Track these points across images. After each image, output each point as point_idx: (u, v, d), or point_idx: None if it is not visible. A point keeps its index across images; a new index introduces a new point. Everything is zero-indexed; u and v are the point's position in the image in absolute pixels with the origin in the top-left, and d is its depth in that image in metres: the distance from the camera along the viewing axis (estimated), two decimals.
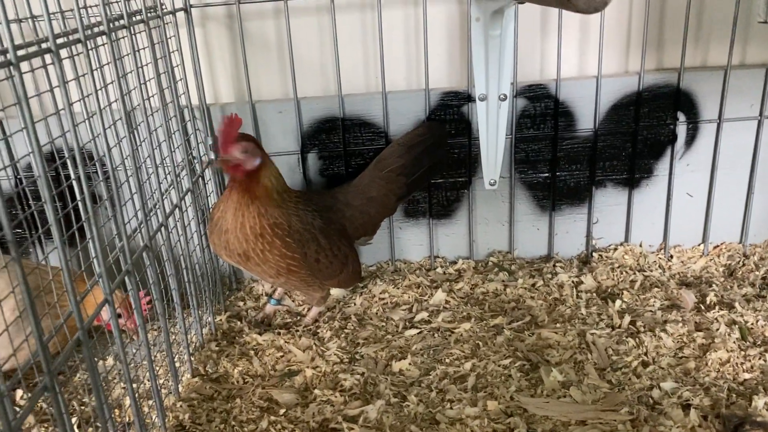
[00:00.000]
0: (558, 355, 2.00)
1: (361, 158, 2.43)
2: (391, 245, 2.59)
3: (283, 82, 2.39)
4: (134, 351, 1.86)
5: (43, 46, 1.24)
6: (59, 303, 1.57)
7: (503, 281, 2.46)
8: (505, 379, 1.92)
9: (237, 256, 2.01)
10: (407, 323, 2.25)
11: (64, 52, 1.28)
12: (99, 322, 1.73)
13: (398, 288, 2.46)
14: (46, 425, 1.84)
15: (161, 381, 1.89)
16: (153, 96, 1.84)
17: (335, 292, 2.42)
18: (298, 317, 2.36)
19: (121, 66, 1.59)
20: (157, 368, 1.86)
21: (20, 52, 1.10)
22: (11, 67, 1.07)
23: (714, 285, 2.34)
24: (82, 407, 1.91)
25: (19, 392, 1.97)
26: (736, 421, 1.66)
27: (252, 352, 2.13)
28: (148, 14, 1.81)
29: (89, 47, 1.37)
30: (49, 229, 1.19)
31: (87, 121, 1.42)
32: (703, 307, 2.21)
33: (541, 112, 2.40)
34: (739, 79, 2.36)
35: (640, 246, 2.60)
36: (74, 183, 1.38)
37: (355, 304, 2.39)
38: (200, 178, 2.28)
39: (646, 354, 1.99)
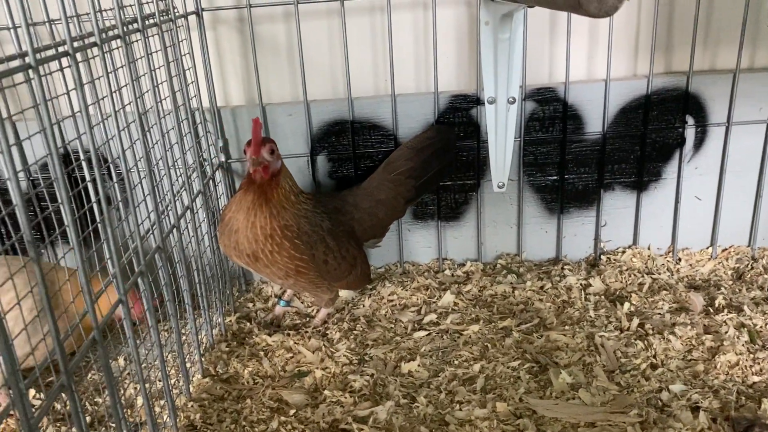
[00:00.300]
0: (567, 357, 2.01)
1: (370, 161, 2.45)
2: (400, 247, 2.60)
3: (293, 85, 2.41)
4: (146, 352, 1.88)
5: (60, 49, 1.26)
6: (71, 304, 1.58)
7: (511, 283, 2.47)
8: (514, 380, 1.93)
9: (246, 256, 2.02)
10: (416, 325, 2.26)
11: (79, 56, 1.29)
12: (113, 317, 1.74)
13: (407, 290, 2.47)
14: (58, 425, 1.85)
15: (172, 381, 1.91)
16: (165, 99, 1.86)
17: (344, 293, 2.43)
18: (307, 318, 2.38)
19: (135, 69, 1.61)
20: (168, 368, 1.87)
21: (38, 56, 1.12)
22: (30, 71, 1.09)
23: (722, 288, 2.34)
24: (94, 407, 1.93)
25: (32, 391, 1.99)
26: (745, 423, 1.66)
27: (262, 353, 2.14)
28: (161, 18, 1.83)
29: (104, 50, 1.39)
30: (54, 230, 1.21)
31: (101, 124, 1.44)
32: (711, 310, 2.21)
33: (549, 115, 2.41)
34: (748, 83, 2.36)
35: (649, 249, 2.61)
36: (88, 185, 1.40)
37: (363, 306, 2.40)
38: (211, 180, 2.30)
39: (654, 356, 1.99)
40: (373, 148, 2.43)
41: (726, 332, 2.07)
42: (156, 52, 1.79)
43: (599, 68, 2.41)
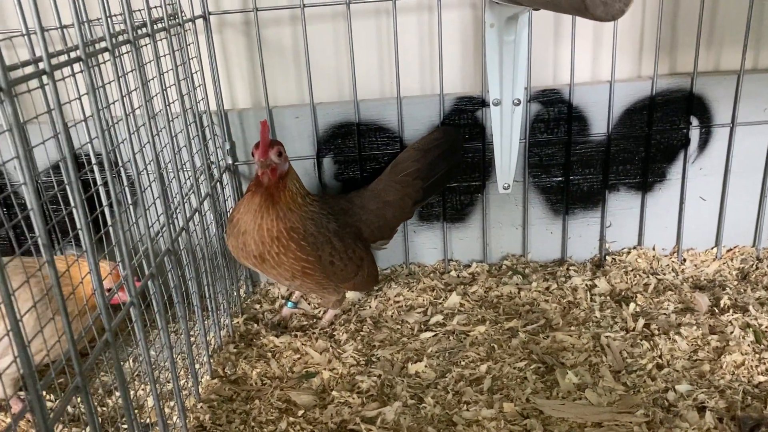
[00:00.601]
0: (573, 357, 2.02)
1: (375, 162, 2.46)
2: (406, 249, 2.62)
3: (299, 87, 2.42)
4: (155, 353, 1.89)
5: (72, 54, 1.27)
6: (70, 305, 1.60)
7: (517, 284, 2.48)
8: (521, 381, 1.94)
9: (253, 258, 2.04)
10: (422, 326, 2.27)
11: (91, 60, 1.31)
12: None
13: (413, 291, 2.48)
14: (69, 425, 1.87)
15: (181, 382, 1.92)
16: (173, 102, 1.87)
17: (350, 295, 2.44)
18: (314, 320, 2.39)
19: (144, 73, 1.62)
20: (178, 370, 1.89)
21: (52, 61, 1.14)
22: (45, 76, 1.10)
23: (727, 288, 2.35)
24: (103, 408, 1.94)
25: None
26: (751, 423, 1.67)
27: (270, 354, 2.16)
28: (169, 22, 1.84)
29: (115, 55, 1.41)
30: (66, 233, 1.22)
31: (112, 128, 1.46)
32: (716, 311, 2.22)
33: (554, 116, 2.42)
34: (752, 84, 2.37)
35: (654, 249, 2.62)
36: (97, 187, 1.42)
37: (370, 307, 2.42)
38: (218, 183, 2.31)
39: (660, 357, 2.00)
40: (379, 150, 2.45)
41: (731, 332, 2.08)
42: (164, 56, 1.80)
43: (604, 70, 2.42)
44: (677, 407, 1.78)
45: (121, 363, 1.90)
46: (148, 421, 1.85)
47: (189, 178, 1.98)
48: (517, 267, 2.60)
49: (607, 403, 1.82)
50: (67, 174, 1.19)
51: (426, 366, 2.04)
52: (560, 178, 2.52)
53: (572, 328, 2.18)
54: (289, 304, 2.41)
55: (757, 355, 1.97)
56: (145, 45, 1.69)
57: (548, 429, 1.73)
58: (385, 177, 2.31)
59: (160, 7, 1.83)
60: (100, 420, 1.87)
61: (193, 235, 1.97)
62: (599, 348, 2.07)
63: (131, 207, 1.59)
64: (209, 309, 2.14)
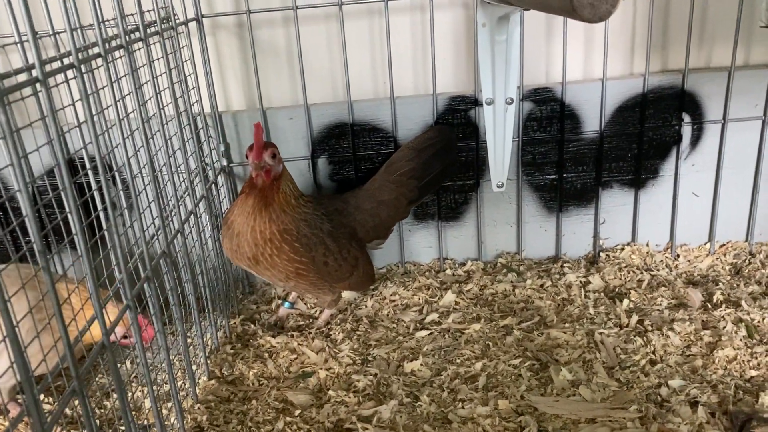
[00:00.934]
0: (567, 354, 2.04)
1: (370, 162, 2.47)
2: (401, 248, 2.63)
3: (293, 89, 2.43)
4: (153, 355, 1.91)
5: (65, 61, 1.28)
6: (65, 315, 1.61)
7: (512, 282, 2.49)
8: (516, 378, 1.96)
9: (247, 259, 2.05)
10: (418, 324, 2.29)
11: (83, 66, 1.32)
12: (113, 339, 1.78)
13: (408, 290, 2.50)
14: (68, 428, 1.88)
15: (179, 384, 1.94)
16: (167, 105, 1.88)
17: (346, 294, 2.46)
18: (311, 320, 2.40)
19: (137, 77, 1.63)
20: (175, 371, 1.90)
21: (45, 68, 1.15)
22: (38, 84, 1.11)
23: (720, 283, 2.37)
24: (101, 410, 1.95)
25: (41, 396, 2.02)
26: (743, 417, 1.69)
27: (266, 355, 2.17)
28: (162, 25, 1.85)
29: (108, 61, 1.42)
30: (61, 237, 1.23)
31: (106, 133, 1.47)
32: (709, 306, 2.24)
33: (547, 115, 2.43)
34: (743, 80, 2.39)
35: (647, 246, 2.63)
36: (92, 191, 1.43)
37: (366, 307, 2.43)
38: (213, 185, 2.32)
39: (654, 352, 2.02)
40: (373, 150, 2.46)
41: (724, 327, 2.10)
42: (158, 59, 1.81)
43: (596, 68, 2.43)
44: (670, 402, 1.79)
45: (119, 365, 1.92)
46: (146, 422, 1.86)
47: (184, 181, 1.99)
48: (512, 265, 2.62)
49: (600, 399, 1.83)
50: (61, 180, 1.20)
51: (422, 364, 2.05)
52: (553, 176, 2.53)
53: (566, 325, 2.20)
54: (286, 304, 2.42)
55: (749, 350, 1.98)
56: (139, 49, 1.70)
57: (543, 426, 1.75)
58: (379, 177, 2.32)
59: (153, 11, 1.84)
60: (98, 422, 1.88)
61: (188, 238, 1.98)
62: (593, 344, 2.08)
63: (127, 210, 1.60)
64: (206, 310, 2.15)
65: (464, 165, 2.50)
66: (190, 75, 2.17)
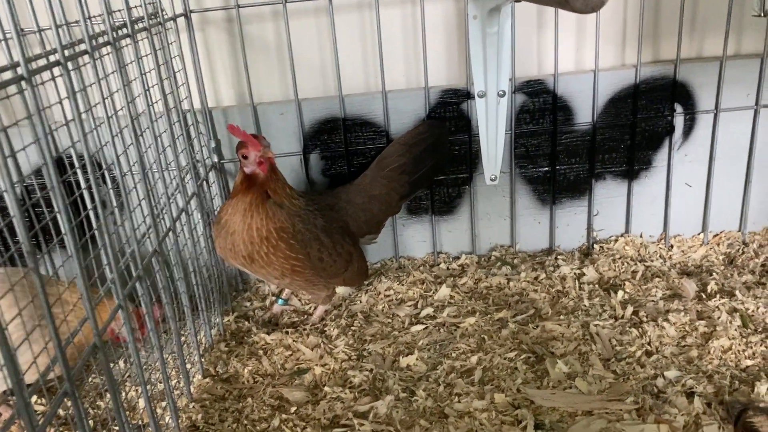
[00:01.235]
0: (562, 346, 2.04)
1: (362, 157, 2.46)
2: (395, 242, 2.62)
3: (283, 83, 2.41)
4: (146, 354, 1.89)
5: (51, 58, 1.26)
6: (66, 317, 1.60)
7: (506, 275, 2.49)
8: (511, 371, 1.95)
9: (242, 258, 2.04)
10: (413, 319, 2.28)
11: (70, 64, 1.30)
12: (111, 335, 1.78)
13: (403, 284, 2.49)
14: (61, 429, 1.86)
15: (173, 383, 1.92)
16: (157, 102, 1.86)
17: (341, 290, 2.45)
18: (305, 316, 2.39)
19: (126, 74, 1.61)
20: (169, 370, 1.89)
21: (31, 65, 1.13)
22: (23, 82, 1.09)
23: (714, 273, 2.37)
24: (95, 410, 1.94)
25: (34, 397, 2.00)
26: (739, 407, 1.69)
27: (261, 352, 2.16)
28: (150, 21, 1.83)
29: (95, 57, 1.40)
30: (50, 237, 1.22)
31: (94, 130, 1.45)
32: (704, 296, 2.24)
33: (539, 107, 2.43)
34: (735, 69, 2.38)
35: (641, 237, 2.63)
36: (82, 191, 1.41)
37: (360, 302, 2.42)
38: (204, 181, 2.30)
39: (649, 343, 2.02)
40: (366, 144, 2.44)
41: (719, 317, 2.10)
42: (146, 55, 1.79)
43: (587, 59, 2.43)
44: (666, 393, 1.79)
45: (112, 365, 1.90)
46: (140, 422, 1.85)
47: (174, 178, 1.97)
48: (506, 258, 2.61)
49: (597, 392, 1.83)
50: (49, 179, 1.18)
51: (417, 359, 2.04)
52: (547, 169, 2.53)
53: (561, 317, 2.19)
54: (280, 301, 2.41)
55: (744, 340, 1.99)
56: (126, 46, 1.68)
57: (539, 419, 1.75)
58: (370, 172, 2.31)
59: (140, 6, 1.81)
60: (92, 422, 1.87)
61: (180, 235, 1.96)
62: (588, 336, 2.08)
63: (117, 209, 1.59)
64: (199, 308, 2.13)
65: (457, 158, 2.49)
66: (179, 71, 2.14)
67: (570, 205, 2.59)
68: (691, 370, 1.88)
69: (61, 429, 1.86)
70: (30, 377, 1.21)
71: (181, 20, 2.19)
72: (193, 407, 1.90)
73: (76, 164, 1.40)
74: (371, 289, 2.48)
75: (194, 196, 2.12)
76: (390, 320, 2.29)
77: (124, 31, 1.63)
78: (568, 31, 2.40)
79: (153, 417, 1.62)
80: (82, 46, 1.37)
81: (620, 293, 2.28)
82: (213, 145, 2.36)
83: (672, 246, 2.61)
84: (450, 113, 2.42)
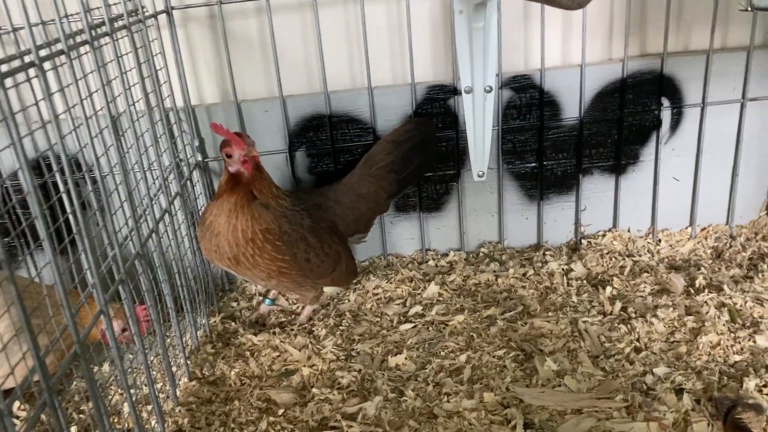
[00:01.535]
0: (551, 344, 2.03)
1: (349, 154, 2.43)
2: (383, 240, 2.60)
3: (267, 80, 2.38)
4: (131, 357, 1.86)
5: (26, 59, 1.23)
6: (54, 320, 1.56)
7: (494, 272, 2.48)
8: (500, 370, 1.94)
9: (227, 260, 2.01)
10: (401, 318, 2.27)
11: (47, 64, 1.26)
12: (100, 336, 1.75)
13: (391, 283, 2.47)
14: None
15: (158, 386, 1.90)
16: (138, 101, 1.83)
17: (329, 289, 2.42)
18: (293, 316, 2.37)
19: (105, 74, 1.58)
20: (154, 373, 1.86)
21: (3, 68, 1.09)
22: None
23: (702, 268, 2.37)
24: (80, 415, 1.91)
25: (17, 403, 1.97)
26: (728, 403, 1.69)
27: (248, 353, 2.13)
28: (130, 19, 1.79)
29: (72, 57, 1.36)
30: (30, 240, 1.19)
31: (73, 132, 1.41)
32: (692, 291, 2.24)
33: (526, 102, 2.41)
34: (722, 63, 2.38)
35: (629, 231, 2.63)
36: (61, 194, 1.38)
37: (349, 301, 2.40)
38: (188, 181, 2.27)
39: (638, 340, 2.01)
40: (352, 142, 2.42)
41: (707, 312, 2.10)
42: (126, 54, 1.75)
43: (574, 53, 2.41)
44: (656, 390, 1.79)
45: (94, 371, 1.87)
46: (126, 426, 1.82)
47: (157, 178, 1.94)
48: (494, 254, 2.60)
49: (586, 390, 1.82)
50: (25, 183, 1.15)
51: (406, 358, 2.03)
52: (534, 164, 2.51)
53: (550, 314, 2.18)
54: (267, 301, 2.38)
55: (732, 335, 1.99)
56: (106, 44, 1.64)
57: (528, 418, 1.74)
58: (358, 170, 2.29)
59: (120, 3, 1.78)
60: (76, 428, 1.84)
61: (164, 237, 1.93)
62: (577, 333, 2.07)
63: (98, 212, 1.55)
64: (184, 309, 2.10)
65: (444, 155, 2.47)
66: (161, 69, 2.11)
67: (557, 201, 2.58)
68: (680, 366, 1.88)
69: None
70: (9, 384, 1.19)
71: (162, 17, 2.15)
72: (179, 411, 1.88)
73: (54, 167, 1.36)
74: (360, 288, 2.46)
75: (178, 196, 2.09)
76: (378, 319, 2.27)
77: (103, 29, 1.60)
78: (555, 26, 2.38)
79: (137, 422, 1.60)
80: (59, 46, 1.34)
81: (608, 289, 2.28)
82: (196, 143, 2.33)
83: (660, 240, 2.61)
84: (437, 109, 2.40)
